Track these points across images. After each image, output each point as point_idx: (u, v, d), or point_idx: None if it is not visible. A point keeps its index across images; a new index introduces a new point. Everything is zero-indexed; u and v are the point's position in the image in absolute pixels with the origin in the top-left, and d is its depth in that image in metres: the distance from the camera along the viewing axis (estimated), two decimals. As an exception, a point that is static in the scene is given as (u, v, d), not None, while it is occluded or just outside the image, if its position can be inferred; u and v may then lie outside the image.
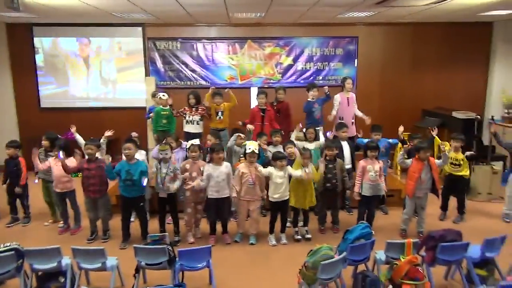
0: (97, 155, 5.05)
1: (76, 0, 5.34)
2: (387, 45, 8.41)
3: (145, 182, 4.76)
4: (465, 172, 5.58)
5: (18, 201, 5.65)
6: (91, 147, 4.94)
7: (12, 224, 5.64)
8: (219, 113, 6.36)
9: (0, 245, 3.70)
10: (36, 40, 8.02)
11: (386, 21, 7.92)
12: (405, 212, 5.17)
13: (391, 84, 8.49)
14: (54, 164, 5.17)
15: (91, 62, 8.21)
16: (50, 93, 8.23)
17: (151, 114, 6.68)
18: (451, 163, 5.54)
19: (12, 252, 3.60)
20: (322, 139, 5.87)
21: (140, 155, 5.29)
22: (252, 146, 4.85)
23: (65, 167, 4.89)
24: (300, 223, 5.17)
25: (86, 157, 4.99)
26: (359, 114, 6.61)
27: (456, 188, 5.63)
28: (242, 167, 4.89)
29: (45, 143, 5.44)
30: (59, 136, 5.72)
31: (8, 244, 3.70)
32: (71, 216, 5.44)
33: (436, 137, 6.38)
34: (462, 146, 5.56)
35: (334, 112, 6.52)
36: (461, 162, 5.52)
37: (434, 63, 8.45)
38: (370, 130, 5.71)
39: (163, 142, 5.23)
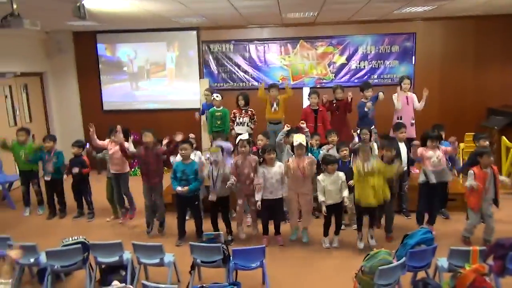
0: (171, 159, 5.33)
1: (136, 7, 5.60)
2: (447, 40, 7.97)
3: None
4: None
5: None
6: (149, 135, 5.13)
7: (78, 217, 6.07)
8: (274, 104, 6.33)
9: (70, 238, 3.97)
10: (100, 47, 8.53)
11: (446, 15, 7.50)
12: (469, 223, 4.82)
13: (453, 82, 8.03)
14: (111, 145, 5.52)
15: (148, 66, 8.56)
16: (111, 97, 8.70)
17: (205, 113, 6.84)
18: None
19: (79, 245, 3.85)
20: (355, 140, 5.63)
21: (195, 156, 5.43)
22: (299, 139, 4.74)
23: (122, 147, 5.14)
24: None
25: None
26: (422, 103, 6.33)
27: None
28: (291, 161, 4.79)
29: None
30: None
31: (76, 238, 3.97)
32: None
33: (504, 138, 5.95)
34: None
35: (399, 107, 6.26)
36: None
37: (500, 58, 7.88)
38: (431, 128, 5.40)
39: (214, 145, 5.27)
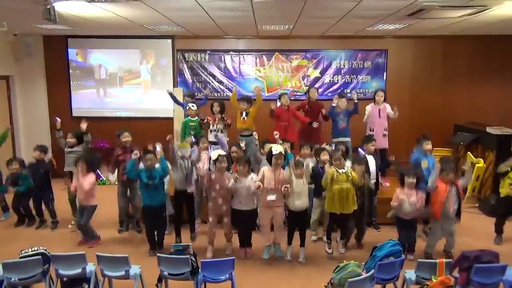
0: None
1: (109, 12, 5.50)
2: (417, 58, 8.24)
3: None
4: None
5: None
6: (127, 135, 5.35)
7: (40, 227, 5.80)
8: (243, 113, 6.31)
9: (28, 249, 3.77)
10: (70, 51, 8.31)
11: (417, 34, 7.76)
12: (430, 237, 4.86)
13: (422, 99, 8.28)
14: (81, 178, 5.09)
15: (120, 73, 8.41)
16: (81, 103, 8.47)
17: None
18: (511, 184, 5.20)
19: (39, 256, 3.65)
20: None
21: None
22: (279, 148, 4.68)
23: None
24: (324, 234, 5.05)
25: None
26: (396, 113, 6.45)
27: None
28: (266, 170, 4.73)
29: (71, 140, 5.66)
30: (89, 138, 5.80)
31: (36, 249, 3.77)
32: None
33: (469, 153, 6.15)
34: None
35: (366, 121, 6.49)
36: None
37: (466, 77, 8.21)
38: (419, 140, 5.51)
39: (187, 141, 5.49)
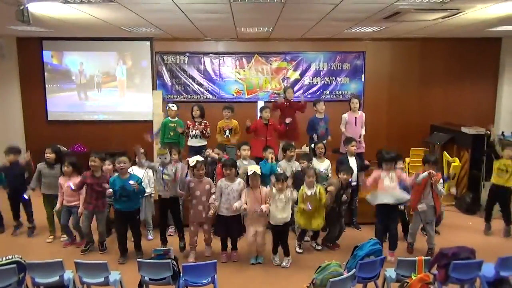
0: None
1: (85, 14, 5.40)
2: (394, 60, 8.40)
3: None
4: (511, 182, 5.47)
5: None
6: (95, 159, 4.91)
7: (17, 231, 5.62)
8: (227, 131, 6.31)
9: (2, 258, 3.64)
10: (45, 54, 8.12)
11: (394, 36, 7.92)
12: (410, 227, 5.10)
13: (399, 99, 8.44)
14: (64, 183, 5.11)
15: (98, 76, 8.26)
16: (57, 106, 8.28)
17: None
18: (499, 168, 5.45)
19: (14, 265, 3.52)
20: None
21: (138, 170, 5.28)
22: (253, 168, 4.61)
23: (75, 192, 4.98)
24: (307, 238, 5.08)
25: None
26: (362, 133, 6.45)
27: (501, 198, 5.55)
28: (247, 194, 4.62)
29: (50, 156, 5.34)
30: (66, 150, 5.70)
31: (10, 257, 3.62)
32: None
33: (445, 153, 6.30)
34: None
35: (342, 128, 6.43)
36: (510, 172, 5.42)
37: (443, 79, 8.42)
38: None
39: (163, 147, 5.33)
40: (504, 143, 5.73)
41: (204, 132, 6.18)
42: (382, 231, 4.87)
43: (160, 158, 4.94)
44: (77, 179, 5.02)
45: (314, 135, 6.37)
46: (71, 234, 5.31)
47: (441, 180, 4.90)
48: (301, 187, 4.82)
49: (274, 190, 4.64)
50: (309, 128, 6.52)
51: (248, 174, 4.59)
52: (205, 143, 6.30)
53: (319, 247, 5.04)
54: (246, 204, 4.57)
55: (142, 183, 4.88)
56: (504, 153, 5.48)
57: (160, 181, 4.92)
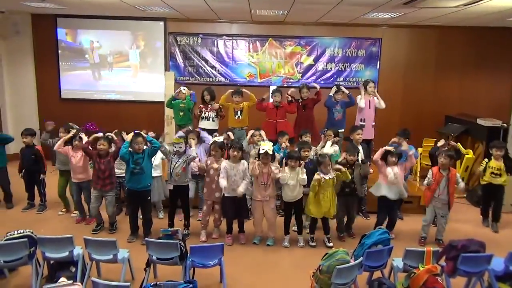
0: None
1: (99, -8, 5.36)
2: (411, 48, 8.20)
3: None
4: (504, 180, 5.45)
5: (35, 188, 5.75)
6: (104, 142, 4.93)
7: (27, 210, 5.73)
8: (238, 112, 6.27)
9: (14, 231, 3.72)
10: (59, 31, 8.12)
11: (411, 23, 7.72)
12: (424, 219, 5.05)
13: (414, 88, 8.28)
14: (72, 154, 5.19)
15: (111, 55, 8.25)
16: (70, 84, 8.30)
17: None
18: (492, 173, 5.44)
19: (25, 239, 3.60)
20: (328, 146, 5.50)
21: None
22: (266, 147, 4.66)
23: (86, 149, 5.01)
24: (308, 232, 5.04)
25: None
26: (381, 102, 6.45)
27: (494, 196, 5.56)
28: (258, 164, 4.74)
29: (63, 135, 5.37)
30: (79, 128, 5.76)
31: (22, 231, 3.72)
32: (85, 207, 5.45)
33: (459, 144, 6.19)
34: (504, 154, 5.47)
35: (358, 101, 6.36)
36: (501, 172, 5.42)
37: (459, 68, 8.20)
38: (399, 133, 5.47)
39: (180, 136, 5.24)
40: (491, 145, 5.65)
41: (220, 112, 6.22)
42: (383, 221, 4.99)
43: (175, 147, 4.92)
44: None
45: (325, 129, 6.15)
46: (82, 211, 5.41)
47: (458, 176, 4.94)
48: (316, 176, 4.69)
49: (286, 169, 4.67)
50: (327, 114, 6.46)
51: (260, 152, 4.66)
52: (216, 127, 6.29)
53: (330, 244, 4.85)
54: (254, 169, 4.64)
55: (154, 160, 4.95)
56: (492, 152, 5.50)
57: (169, 170, 4.92)
